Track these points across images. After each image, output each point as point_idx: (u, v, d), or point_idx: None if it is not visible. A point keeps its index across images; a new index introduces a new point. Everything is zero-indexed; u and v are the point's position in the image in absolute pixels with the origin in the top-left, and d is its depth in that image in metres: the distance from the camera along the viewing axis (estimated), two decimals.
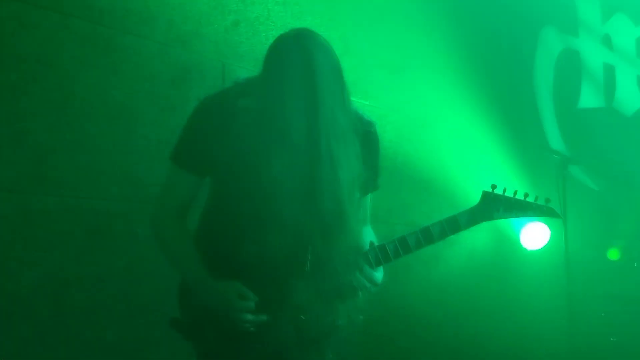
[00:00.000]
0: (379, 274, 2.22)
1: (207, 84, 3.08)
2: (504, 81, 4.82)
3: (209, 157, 2.11)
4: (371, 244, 2.22)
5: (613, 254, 4.96)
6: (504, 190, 2.26)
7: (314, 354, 2.19)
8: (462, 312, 4.72)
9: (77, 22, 2.74)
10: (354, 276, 2.15)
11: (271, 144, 2.00)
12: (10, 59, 2.56)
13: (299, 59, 2.01)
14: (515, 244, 4.93)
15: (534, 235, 4.86)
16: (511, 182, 4.73)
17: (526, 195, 2.27)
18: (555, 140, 5.23)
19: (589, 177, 5.10)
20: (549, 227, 4.82)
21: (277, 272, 2.08)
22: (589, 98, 5.28)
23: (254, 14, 3.38)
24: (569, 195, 4.37)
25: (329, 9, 3.80)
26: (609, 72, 5.28)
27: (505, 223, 4.87)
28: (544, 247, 4.88)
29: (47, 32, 2.66)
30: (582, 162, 4.80)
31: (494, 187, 2.24)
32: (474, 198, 4.32)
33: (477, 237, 4.89)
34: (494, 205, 2.23)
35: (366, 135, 2.21)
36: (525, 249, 4.93)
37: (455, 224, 2.22)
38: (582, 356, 4.35)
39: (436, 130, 4.52)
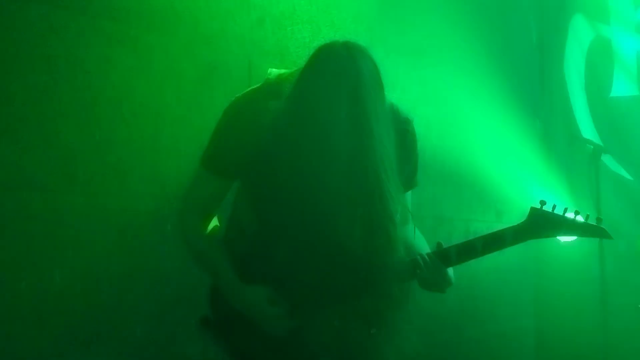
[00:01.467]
0: (451, 273, 2.20)
1: (234, 81, 3.08)
2: (534, 71, 4.76)
3: (240, 160, 2.08)
4: (439, 244, 2.18)
5: None
6: (554, 208, 2.16)
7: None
8: (495, 304, 4.69)
9: (103, 22, 2.76)
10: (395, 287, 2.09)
11: (310, 146, 1.96)
12: (40, 60, 2.59)
13: (346, 64, 1.95)
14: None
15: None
16: (542, 174, 4.70)
17: (577, 213, 2.17)
18: (587, 129, 5.15)
19: (623, 166, 5.01)
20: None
21: (311, 277, 2.05)
22: (621, 86, 5.17)
23: (279, 9, 3.37)
24: (602, 185, 4.30)
25: (355, 2, 3.78)
26: None
27: None
28: (577, 239, 4.81)
29: (75, 33, 2.68)
30: (615, 152, 4.71)
31: (543, 203, 2.15)
32: (504, 191, 4.30)
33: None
34: (542, 224, 2.14)
35: (403, 133, 2.17)
36: (559, 241, 4.87)
37: (500, 240, 2.16)
38: (617, 348, 4.29)
39: (465, 123, 4.47)
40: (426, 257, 2.13)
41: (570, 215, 2.18)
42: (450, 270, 2.20)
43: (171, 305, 2.83)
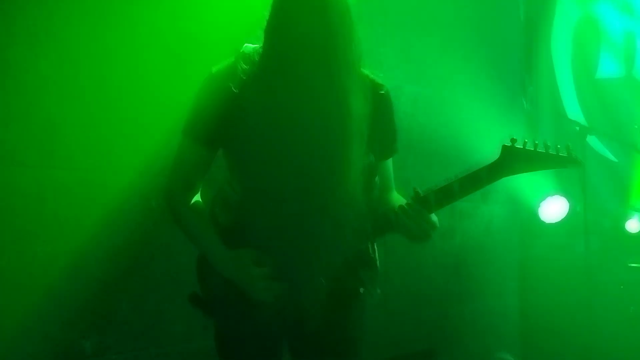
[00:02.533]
0: (435, 219, 2.17)
1: (220, 56, 3.03)
2: (520, 51, 4.75)
3: (220, 127, 2.09)
4: (415, 190, 2.14)
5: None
6: (525, 144, 2.14)
7: (335, 322, 2.18)
8: (480, 283, 4.71)
9: None
10: (363, 243, 2.12)
11: (280, 104, 1.99)
12: (20, 34, 2.54)
13: (309, 11, 1.95)
14: (533, 216, 4.89)
15: (553, 208, 4.81)
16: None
17: (546, 146, 2.16)
18: (573, 110, 5.15)
19: (608, 148, 5.03)
20: (567, 199, 4.78)
21: (295, 238, 2.06)
22: (608, 67, 5.18)
23: None
24: (588, 165, 4.31)
25: None
26: (630, 40, 5.17)
27: (522, 195, 4.83)
28: (562, 219, 4.84)
29: (55, 5, 2.63)
30: (601, 133, 4.73)
31: (513, 140, 2.13)
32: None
33: (493, 209, 4.86)
34: (515, 159, 2.12)
35: (378, 98, 2.18)
36: (543, 222, 4.89)
37: (476, 180, 2.13)
38: (602, 325, 4.33)
39: (452, 102, 4.46)
40: (405, 206, 2.12)
41: (542, 150, 2.15)
42: (433, 215, 2.17)
43: (157, 283, 2.81)
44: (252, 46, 2.15)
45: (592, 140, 4.78)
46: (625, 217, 4.88)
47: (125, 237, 2.74)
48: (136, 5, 2.85)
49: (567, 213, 4.79)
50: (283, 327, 2.17)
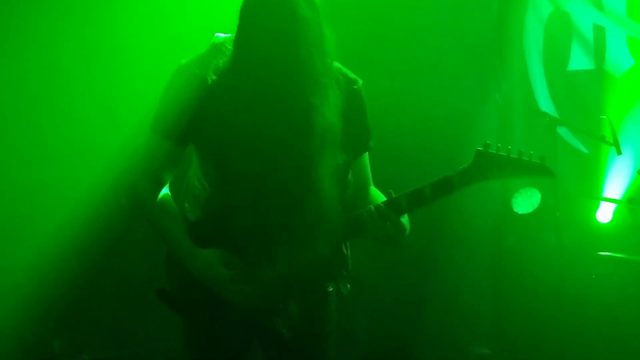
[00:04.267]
0: (405, 221, 2.18)
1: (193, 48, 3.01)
2: (493, 44, 4.77)
3: (189, 122, 2.08)
4: (389, 193, 2.16)
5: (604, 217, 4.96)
6: (498, 149, 2.16)
7: (305, 320, 2.18)
8: (453, 278, 4.74)
9: None
10: (329, 245, 2.11)
11: (250, 102, 1.98)
12: None
13: (278, 10, 1.95)
14: (506, 208, 4.93)
15: (525, 198, 4.86)
16: (502, 145, 4.74)
17: (520, 153, 2.17)
18: (545, 102, 5.20)
19: (578, 139, 5.08)
20: (539, 190, 4.82)
21: (264, 239, 2.06)
22: (579, 60, 5.23)
23: None
24: (559, 157, 4.36)
25: None
26: (600, 33, 5.23)
27: (495, 187, 4.86)
28: (534, 209, 4.89)
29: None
30: (571, 124, 4.77)
31: (487, 145, 2.15)
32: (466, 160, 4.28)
33: (467, 201, 4.89)
34: (487, 165, 2.13)
35: (352, 93, 2.17)
36: (515, 213, 4.94)
37: (447, 185, 2.14)
38: (573, 316, 4.38)
39: (425, 97, 4.47)
40: (372, 209, 2.13)
41: (514, 155, 2.16)
42: (405, 218, 2.19)
43: (128, 281, 2.80)
44: (222, 36, 2.13)
45: (562, 132, 4.82)
46: (596, 208, 4.94)
47: (95, 235, 2.73)
48: (105, 2, 2.82)
49: (539, 204, 4.84)
50: (252, 325, 2.17)
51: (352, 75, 2.22)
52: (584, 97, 5.13)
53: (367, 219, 2.12)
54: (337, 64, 2.14)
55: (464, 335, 4.81)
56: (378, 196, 2.29)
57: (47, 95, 2.64)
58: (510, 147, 2.17)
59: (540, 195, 4.84)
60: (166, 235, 2.17)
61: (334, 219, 2.11)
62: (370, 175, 2.36)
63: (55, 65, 2.67)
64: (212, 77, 2.03)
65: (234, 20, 2.03)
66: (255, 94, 1.98)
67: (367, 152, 2.33)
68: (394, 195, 2.14)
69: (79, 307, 2.65)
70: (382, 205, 2.12)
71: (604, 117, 4.43)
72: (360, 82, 2.23)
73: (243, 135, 2.00)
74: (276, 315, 2.12)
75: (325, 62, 2.02)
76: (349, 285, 2.24)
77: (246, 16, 2.00)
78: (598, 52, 5.21)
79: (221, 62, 2.04)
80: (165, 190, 2.19)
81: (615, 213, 4.90)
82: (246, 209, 2.04)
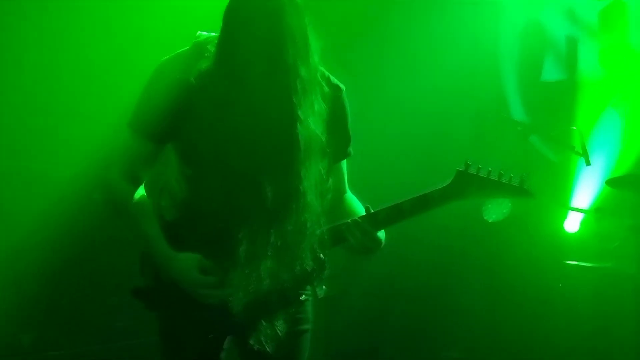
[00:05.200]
0: (381, 234, 2.19)
1: (170, 45, 2.99)
2: (468, 53, 4.82)
3: (168, 121, 2.04)
4: (367, 208, 2.17)
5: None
6: (478, 170, 2.18)
7: (276, 325, 2.16)
8: (420, 284, 4.76)
9: None
10: (309, 253, 2.09)
11: (233, 108, 1.95)
12: None
13: (264, 15, 1.93)
14: (477, 216, 4.97)
15: (496, 207, 4.91)
16: (474, 154, 4.78)
17: (500, 175, 2.19)
18: (518, 111, 5.26)
19: (549, 148, 5.15)
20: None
21: (239, 243, 2.03)
22: (552, 70, 5.31)
23: None
24: (530, 166, 4.41)
25: None
26: (572, 44, 5.31)
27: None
28: (504, 218, 4.94)
29: None
30: (542, 133, 4.84)
31: (467, 165, 2.17)
32: (442, 171, 4.31)
33: (437, 210, 4.91)
34: (467, 185, 2.16)
35: (335, 99, 2.17)
36: (486, 221, 4.98)
37: (426, 202, 2.16)
38: (542, 322, 4.44)
39: (399, 104, 4.50)
40: (350, 223, 2.14)
41: (494, 177, 2.19)
42: (381, 232, 2.20)
43: (99, 277, 2.76)
44: (205, 34, 2.11)
45: (534, 141, 4.88)
46: (564, 217, 5.01)
47: (66, 230, 2.69)
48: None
49: (509, 213, 4.89)
50: (226, 325, 2.15)
51: (335, 81, 2.21)
52: (556, 107, 5.20)
53: (345, 231, 2.14)
54: (321, 69, 2.12)
55: (435, 339, 4.84)
56: (353, 202, 2.31)
57: (22, 90, 2.59)
58: (490, 169, 2.19)
59: (510, 204, 4.89)
60: (142, 235, 2.13)
61: (317, 231, 2.10)
62: (346, 181, 2.37)
63: (30, 61, 2.63)
64: (194, 79, 2.00)
65: (216, 18, 2.02)
66: (238, 101, 1.96)
67: (346, 159, 2.34)
68: (371, 210, 2.16)
69: (48, 302, 2.61)
70: (360, 219, 2.14)
71: (574, 128, 4.50)
72: (344, 88, 2.24)
73: (224, 141, 1.98)
74: (248, 319, 2.09)
75: (310, 69, 2.01)
76: (324, 287, 2.25)
77: (231, 20, 1.97)
78: (570, 63, 5.30)
79: (204, 64, 2.01)
80: (141, 189, 2.15)
81: (582, 222, 4.97)
82: (223, 216, 2.01)
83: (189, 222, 2.10)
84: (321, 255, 2.15)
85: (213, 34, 2.08)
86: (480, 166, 2.19)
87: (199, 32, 2.13)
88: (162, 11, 3.08)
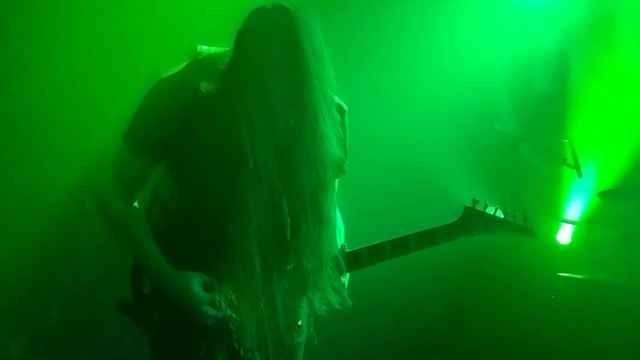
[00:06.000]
0: (345, 280, 2.19)
1: (160, 56, 2.99)
2: (459, 64, 4.84)
3: (164, 138, 1.98)
4: (342, 248, 2.16)
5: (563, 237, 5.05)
6: (485, 206, 2.27)
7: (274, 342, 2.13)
8: (410, 294, 4.76)
9: None
10: (323, 274, 2.06)
11: (243, 132, 1.90)
12: None
13: (282, 41, 1.90)
14: None
15: None
16: (465, 164, 4.80)
17: (506, 212, 2.29)
18: (509, 122, 5.28)
19: (540, 160, 5.17)
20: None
21: (240, 264, 1.99)
22: (542, 82, 5.34)
23: None
24: (520, 175, 4.43)
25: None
26: (562, 57, 5.35)
27: (457, 206, 4.90)
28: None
29: None
30: (533, 145, 4.87)
31: (475, 202, 2.25)
32: (432, 185, 4.30)
33: (429, 218, 4.91)
34: (474, 221, 2.24)
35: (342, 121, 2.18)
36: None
37: (433, 237, 2.22)
38: (533, 335, 4.43)
39: (390, 115, 4.52)
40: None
41: (500, 215, 2.29)
42: (346, 277, 2.20)
43: (89, 286, 2.75)
44: (206, 48, 2.08)
45: (525, 152, 4.90)
46: (556, 229, 5.02)
47: (56, 238, 2.68)
48: (75, 6, 2.80)
49: None
50: (221, 342, 2.12)
51: (338, 100, 2.20)
52: (547, 119, 5.23)
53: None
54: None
55: (427, 350, 4.83)
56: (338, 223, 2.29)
57: (16, 96, 2.59)
58: (497, 207, 2.27)
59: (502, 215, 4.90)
60: (138, 250, 2.09)
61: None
62: (336, 199, 2.35)
63: (16, 67, 2.62)
64: (199, 97, 1.94)
65: (214, 29, 1.99)
66: (256, 125, 1.91)
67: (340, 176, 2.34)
68: (346, 249, 2.17)
69: (37, 311, 2.59)
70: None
71: (566, 140, 4.53)
72: (346, 107, 2.24)
73: (231, 159, 1.92)
74: (244, 338, 2.06)
75: (331, 89, 2.00)
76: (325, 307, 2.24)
77: (246, 41, 1.94)
78: (561, 74, 5.34)
79: (209, 84, 1.95)
80: (132, 204, 2.10)
81: (574, 234, 4.99)
82: (215, 229, 1.97)
83: (181, 234, 2.06)
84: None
85: (215, 49, 2.06)
86: (487, 203, 2.27)
87: (199, 46, 2.10)
88: (155, 20, 3.08)
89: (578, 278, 4.52)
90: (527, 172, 4.90)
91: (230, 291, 2.02)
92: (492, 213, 2.27)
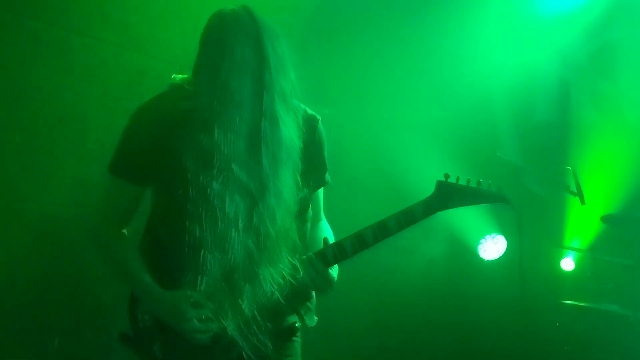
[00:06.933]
0: (334, 272, 2.19)
1: (164, 87, 3.02)
2: (463, 93, 4.88)
3: (150, 165, 2.04)
4: (325, 241, 2.17)
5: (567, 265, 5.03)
6: (457, 179, 2.24)
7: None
8: (418, 322, 4.74)
9: (29, 22, 2.69)
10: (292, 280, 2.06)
11: (219, 146, 1.94)
12: None
13: (247, 49, 1.97)
14: (473, 255, 4.98)
15: (492, 245, 4.92)
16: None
17: (479, 182, 2.26)
18: (510, 151, 5.29)
19: (543, 188, 5.18)
20: (505, 237, 4.89)
21: (227, 280, 2.00)
22: (543, 111, 5.37)
23: None
24: (523, 204, 4.43)
25: (288, 17, 3.80)
26: (563, 86, 5.38)
27: (463, 234, 4.91)
28: (500, 257, 4.94)
29: None
30: (536, 173, 4.87)
31: (447, 176, 2.22)
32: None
33: (434, 246, 4.92)
34: (449, 194, 2.21)
35: (312, 129, 2.21)
36: (482, 259, 4.98)
37: (411, 215, 2.18)
38: None
39: (396, 139, 4.54)
40: (305, 259, 2.12)
41: (473, 185, 2.25)
42: (335, 271, 2.19)
43: (91, 314, 2.74)
44: (180, 76, 2.13)
45: (527, 180, 4.91)
46: (560, 256, 5.01)
47: (59, 270, 2.68)
48: (80, 34, 2.84)
49: (505, 251, 4.90)
50: (231, 355, 2.09)
51: (311, 112, 2.25)
52: (549, 147, 5.24)
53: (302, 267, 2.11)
54: (296, 102, 2.15)
55: None
56: (323, 231, 2.31)
57: (11, 121, 2.61)
58: (469, 178, 2.25)
59: (506, 242, 4.91)
60: (126, 277, 2.11)
61: (298, 254, 2.09)
62: (322, 208, 2.40)
63: (19, 92, 2.66)
64: (176, 119, 1.99)
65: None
66: (217, 135, 1.94)
67: (323, 187, 2.37)
68: (329, 242, 2.16)
69: (40, 339, 2.58)
70: (314, 256, 2.13)
71: (569, 167, 4.54)
72: (320, 118, 2.28)
73: (206, 177, 1.95)
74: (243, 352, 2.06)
75: (288, 99, 2.04)
76: (315, 318, 2.24)
77: (209, 42, 2.02)
78: (562, 104, 5.37)
79: (186, 104, 2.00)
80: (124, 231, 2.13)
81: (578, 261, 4.97)
82: (209, 252, 1.97)
83: (175, 260, 2.05)
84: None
85: (188, 76, 2.11)
86: (458, 176, 2.24)
87: (173, 75, 2.14)
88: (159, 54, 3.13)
89: (582, 306, 4.49)
90: (531, 200, 4.91)
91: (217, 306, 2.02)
92: (465, 184, 2.24)
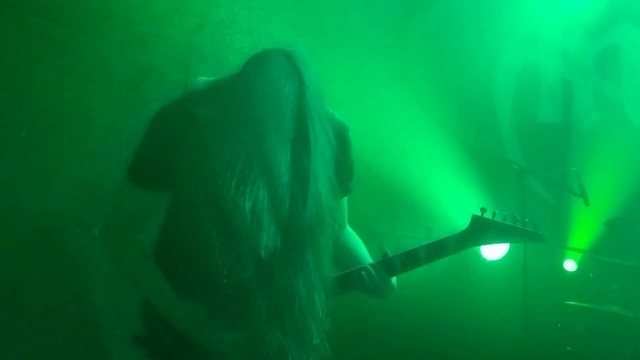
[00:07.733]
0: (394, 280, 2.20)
1: (169, 85, 3.02)
2: (466, 94, 4.88)
3: (169, 172, 2.00)
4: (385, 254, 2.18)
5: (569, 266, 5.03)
6: (494, 215, 2.22)
7: None
8: (419, 322, 4.73)
9: (34, 19, 2.68)
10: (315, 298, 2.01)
11: (244, 159, 1.91)
12: None
13: (289, 82, 1.96)
14: (475, 255, 4.97)
15: (494, 245, 4.92)
16: (471, 194, 4.81)
17: (515, 220, 2.24)
18: (514, 152, 5.29)
19: (545, 189, 5.17)
20: None
21: (242, 290, 1.96)
22: (546, 112, 5.37)
23: (219, 17, 3.34)
24: (527, 206, 4.42)
25: (295, 16, 3.79)
26: (567, 87, 5.38)
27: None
28: (502, 257, 4.94)
29: (3, 28, 2.59)
30: (539, 174, 4.87)
31: (483, 210, 2.20)
32: (434, 209, 4.33)
33: None
34: (484, 230, 2.18)
35: (342, 137, 2.19)
36: (485, 260, 4.98)
37: (442, 248, 2.18)
38: None
39: (398, 140, 4.53)
40: (371, 269, 2.14)
41: (509, 222, 2.24)
42: (394, 278, 2.20)
43: (95, 312, 2.73)
44: (204, 79, 2.10)
45: (530, 181, 4.91)
46: (563, 257, 5.01)
47: (64, 267, 2.67)
48: (86, 32, 2.83)
49: (507, 252, 4.90)
50: None
51: (339, 119, 2.23)
52: (552, 149, 5.24)
53: (359, 277, 2.14)
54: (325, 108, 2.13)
55: None
56: (354, 239, 2.31)
57: (16, 123, 2.61)
58: (506, 215, 2.22)
59: (508, 243, 4.90)
60: (141, 285, 2.09)
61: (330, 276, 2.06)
62: (346, 217, 2.38)
63: (23, 93, 2.65)
64: (196, 126, 1.95)
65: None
66: (246, 152, 1.92)
67: (347, 195, 2.34)
68: (389, 254, 2.16)
69: (43, 340, 2.57)
70: (379, 265, 2.15)
71: (573, 168, 4.53)
72: (348, 126, 2.26)
73: (230, 191, 1.91)
74: None
75: (325, 122, 2.03)
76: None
77: (253, 72, 1.99)
78: (566, 105, 5.36)
79: (206, 112, 1.97)
80: (138, 237, 2.09)
81: (581, 263, 4.97)
82: (226, 260, 1.94)
83: (190, 268, 2.02)
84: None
85: (213, 79, 2.09)
86: (495, 211, 2.22)
87: (199, 77, 2.11)
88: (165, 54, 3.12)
89: (585, 307, 4.49)
90: (534, 201, 4.90)
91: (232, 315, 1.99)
92: (501, 220, 2.21)
